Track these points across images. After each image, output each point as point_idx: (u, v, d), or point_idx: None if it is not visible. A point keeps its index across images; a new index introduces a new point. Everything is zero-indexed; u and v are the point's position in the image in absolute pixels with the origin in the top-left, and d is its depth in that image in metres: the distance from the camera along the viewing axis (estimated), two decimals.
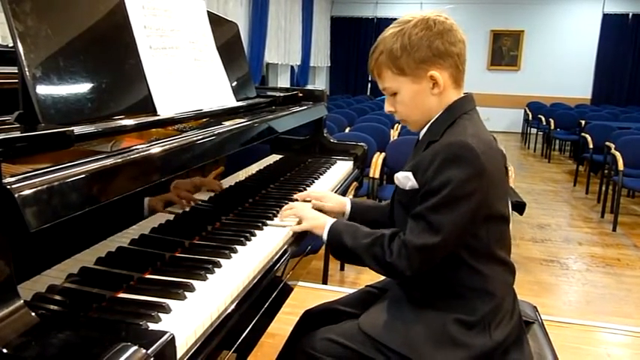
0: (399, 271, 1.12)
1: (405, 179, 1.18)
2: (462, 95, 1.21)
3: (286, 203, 1.51)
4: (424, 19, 1.16)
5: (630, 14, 10.31)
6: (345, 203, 1.48)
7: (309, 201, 1.49)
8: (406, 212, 1.18)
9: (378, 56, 1.20)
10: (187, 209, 1.17)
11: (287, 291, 1.38)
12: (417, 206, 1.13)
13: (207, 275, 1.01)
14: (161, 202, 1.07)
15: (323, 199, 1.50)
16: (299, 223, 1.35)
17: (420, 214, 1.12)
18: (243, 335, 1.00)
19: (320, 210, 1.42)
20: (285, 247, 1.27)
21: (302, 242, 1.34)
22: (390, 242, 1.15)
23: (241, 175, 1.48)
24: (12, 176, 0.68)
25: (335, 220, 1.29)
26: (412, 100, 1.20)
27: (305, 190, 1.70)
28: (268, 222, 1.35)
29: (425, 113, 1.21)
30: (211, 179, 1.30)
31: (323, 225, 1.27)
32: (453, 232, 1.10)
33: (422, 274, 1.13)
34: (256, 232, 1.27)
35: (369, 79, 11.52)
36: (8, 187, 0.66)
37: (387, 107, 1.25)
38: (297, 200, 1.54)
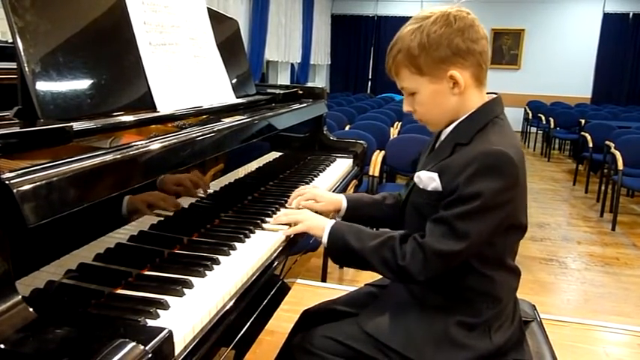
0: (412, 275, 1.08)
1: (429, 180, 1.13)
2: (491, 97, 1.17)
3: (285, 201, 1.51)
4: (444, 15, 1.10)
5: (631, 14, 10.31)
6: (341, 200, 1.42)
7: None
8: (420, 212, 1.15)
9: (396, 54, 1.14)
10: (186, 206, 1.17)
11: (286, 288, 1.38)
12: (441, 210, 1.09)
13: (206, 272, 1.01)
14: (158, 199, 1.07)
15: (316, 199, 1.44)
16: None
17: (444, 219, 1.07)
18: (242, 332, 1.00)
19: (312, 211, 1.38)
20: (284, 244, 1.26)
21: (301, 240, 1.34)
22: (402, 244, 1.10)
23: (241, 172, 1.48)
24: (11, 171, 0.68)
25: (335, 220, 1.24)
26: (431, 100, 1.14)
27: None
28: (264, 225, 1.29)
29: (445, 114, 1.16)
30: (209, 176, 1.30)
31: (322, 226, 1.21)
32: (478, 241, 1.07)
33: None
34: (255, 229, 1.27)
35: (369, 77, 11.53)
36: (7, 182, 0.66)
37: (406, 107, 1.20)
38: (292, 200, 1.49)
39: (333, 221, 1.23)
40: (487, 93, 1.19)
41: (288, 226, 1.27)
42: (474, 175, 1.05)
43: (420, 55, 1.10)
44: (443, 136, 1.20)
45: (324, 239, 1.21)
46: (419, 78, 1.13)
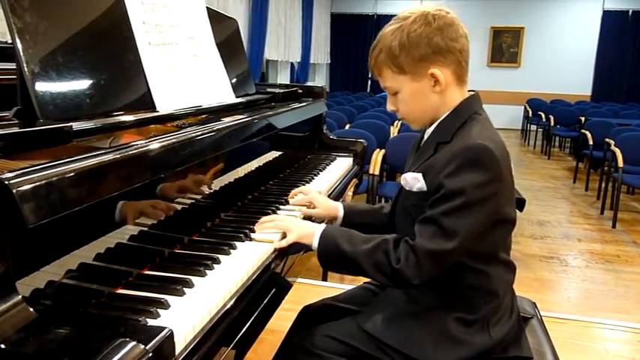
0: (407, 278, 1.06)
1: (414, 180, 1.14)
2: (470, 94, 1.18)
3: (285, 200, 1.51)
4: (423, 15, 1.11)
5: (630, 11, 10.30)
6: (337, 207, 1.42)
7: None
8: (409, 215, 1.15)
9: (378, 54, 1.15)
10: (186, 206, 1.17)
11: (286, 287, 1.38)
12: (428, 210, 1.08)
13: (206, 271, 1.01)
14: (158, 203, 1.07)
15: (314, 203, 1.45)
16: (284, 236, 1.23)
17: (431, 218, 1.07)
18: (242, 331, 1.00)
19: (308, 218, 1.37)
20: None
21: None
22: (395, 247, 1.09)
23: (241, 171, 1.48)
24: (10, 172, 0.68)
25: (326, 225, 1.22)
26: (413, 98, 1.16)
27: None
28: (252, 235, 1.22)
29: (427, 112, 1.17)
30: (209, 176, 1.30)
31: (312, 232, 1.19)
32: (468, 237, 1.06)
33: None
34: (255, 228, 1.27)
35: (369, 76, 11.50)
36: (6, 182, 0.66)
37: (389, 106, 1.22)
38: (293, 196, 1.51)
39: (323, 225, 1.21)
40: (471, 90, 1.20)
41: (277, 235, 1.23)
42: (455, 171, 1.05)
43: (400, 55, 1.12)
44: (426, 136, 1.21)
45: (315, 243, 1.18)
46: (400, 77, 1.14)
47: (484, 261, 1.14)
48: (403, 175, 1.19)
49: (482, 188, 1.05)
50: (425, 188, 1.12)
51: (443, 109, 1.16)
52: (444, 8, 1.14)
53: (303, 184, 1.71)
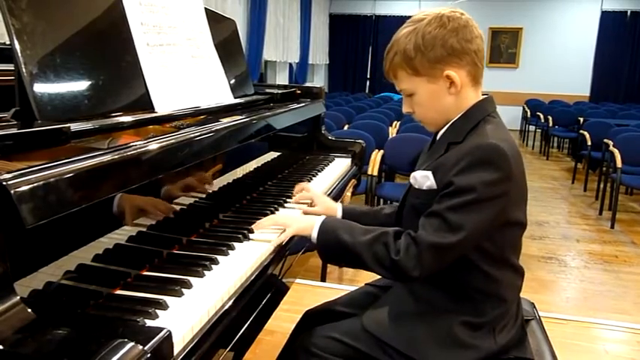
0: (406, 270, 1.06)
1: (424, 178, 1.14)
2: (484, 97, 1.18)
3: (284, 200, 1.51)
4: (438, 17, 1.12)
5: (629, 11, 10.32)
6: (336, 208, 1.43)
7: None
8: (418, 213, 1.14)
9: (393, 57, 1.16)
10: (184, 207, 1.17)
11: (284, 288, 1.38)
12: (435, 204, 1.08)
13: (205, 272, 1.01)
14: (157, 202, 1.07)
15: (314, 201, 1.46)
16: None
17: (437, 213, 1.07)
18: (241, 332, 1.00)
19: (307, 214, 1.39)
20: (283, 244, 1.26)
21: (299, 240, 1.34)
22: (396, 239, 1.09)
23: (239, 172, 1.48)
24: (8, 172, 0.68)
25: (326, 216, 1.23)
26: (429, 100, 1.16)
27: None
28: (251, 235, 1.22)
29: (443, 113, 1.17)
30: (208, 176, 1.30)
31: (312, 224, 1.19)
32: (472, 234, 1.05)
33: (431, 275, 1.09)
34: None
35: (368, 76, 11.53)
36: (4, 183, 0.66)
37: (405, 108, 1.22)
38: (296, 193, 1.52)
39: (323, 217, 1.22)
40: (484, 93, 1.19)
41: (276, 235, 1.22)
42: (466, 168, 1.05)
43: (415, 57, 1.12)
44: (438, 136, 1.21)
45: (314, 234, 1.18)
46: (416, 79, 1.15)
47: (495, 264, 1.14)
48: (413, 174, 1.19)
49: (493, 186, 1.05)
50: (434, 186, 1.12)
51: (457, 111, 1.16)
52: (459, 9, 1.14)
53: (306, 183, 1.71)
